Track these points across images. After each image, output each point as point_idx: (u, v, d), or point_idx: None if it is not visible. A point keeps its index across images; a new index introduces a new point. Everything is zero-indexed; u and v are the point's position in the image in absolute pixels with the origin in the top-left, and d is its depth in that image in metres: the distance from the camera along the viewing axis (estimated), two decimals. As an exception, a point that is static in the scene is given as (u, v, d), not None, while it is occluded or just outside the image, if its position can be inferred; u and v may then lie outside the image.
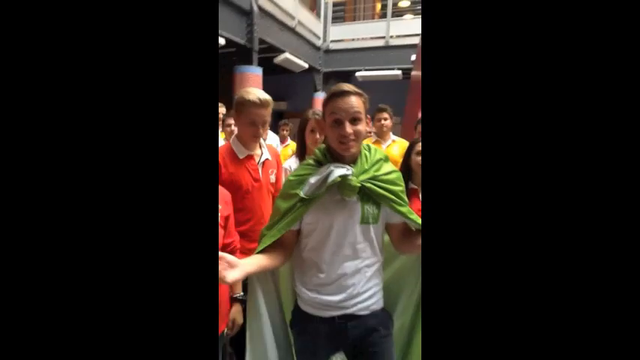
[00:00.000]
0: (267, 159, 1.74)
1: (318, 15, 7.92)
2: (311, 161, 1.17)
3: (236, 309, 1.42)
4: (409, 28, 7.29)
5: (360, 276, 1.15)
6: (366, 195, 1.13)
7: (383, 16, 8.20)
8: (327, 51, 7.92)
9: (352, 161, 1.13)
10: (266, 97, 1.59)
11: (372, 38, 7.77)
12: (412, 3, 10.50)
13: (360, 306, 1.17)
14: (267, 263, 1.11)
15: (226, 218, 1.32)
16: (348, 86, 1.10)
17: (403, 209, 1.15)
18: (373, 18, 9.15)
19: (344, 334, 1.17)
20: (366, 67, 7.44)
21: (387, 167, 1.19)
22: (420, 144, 1.75)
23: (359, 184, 1.09)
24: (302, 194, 1.10)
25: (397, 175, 1.20)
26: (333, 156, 1.14)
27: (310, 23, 7.47)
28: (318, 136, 1.86)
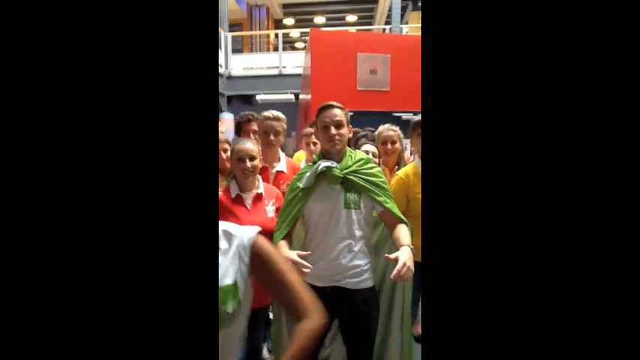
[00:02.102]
0: (281, 171, 1.95)
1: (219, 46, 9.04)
2: (310, 163, 1.51)
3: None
4: (299, 59, 8.75)
5: (345, 253, 1.39)
6: (348, 185, 1.42)
7: (277, 47, 9.62)
8: (230, 77, 9.05)
9: (339, 160, 1.44)
10: (277, 113, 1.93)
11: (268, 67, 9.11)
12: (301, 34, 12.14)
13: (348, 281, 1.40)
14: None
15: (278, 210, 1.62)
16: (332, 102, 1.46)
17: (380, 199, 1.42)
18: (268, 49, 10.56)
19: (333, 305, 1.30)
20: (264, 92, 8.72)
21: (369, 164, 1.48)
22: (363, 139, 2.19)
23: (341, 175, 1.39)
24: (301, 185, 1.43)
25: (377, 170, 1.49)
26: (324, 156, 1.46)
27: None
28: (312, 147, 2.41)
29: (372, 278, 1.46)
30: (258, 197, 1.63)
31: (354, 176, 1.42)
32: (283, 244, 1.38)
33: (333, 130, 1.41)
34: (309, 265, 1.21)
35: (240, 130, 2.20)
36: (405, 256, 1.16)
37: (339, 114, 1.43)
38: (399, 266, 1.12)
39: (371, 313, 1.44)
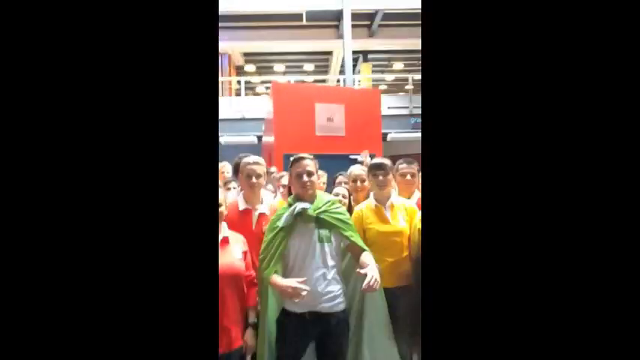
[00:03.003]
0: (263, 213, 2.05)
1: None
2: (285, 205, 1.74)
3: (250, 333, 1.72)
4: (260, 104, 9.29)
5: (321, 281, 1.60)
6: (321, 223, 1.66)
7: (238, 93, 10.14)
8: (194, 120, 9.34)
9: (311, 202, 1.68)
10: (257, 158, 2.08)
11: (230, 111, 9.58)
12: (262, 82, 12.79)
13: (324, 305, 1.60)
14: None
15: (245, 253, 1.76)
16: (303, 154, 1.71)
17: (347, 233, 1.68)
18: (230, 94, 11.09)
19: (311, 328, 1.60)
20: (228, 134, 9.13)
21: (335, 205, 1.75)
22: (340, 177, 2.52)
23: (314, 214, 1.64)
24: (280, 225, 1.65)
25: (343, 209, 1.77)
26: (298, 199, 1.69)
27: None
28: (281, 188, 2.55)
29: (344, 302, 1.68)
30: (225, 240, 1.71)
31: (325, 215, 1.68)
32: (276, 276, 1.62)
33: (305, 178, 1.67)
34: (307, 287, 1.48)
35: (238, 170, 2.28)
36: (372, 271, 1.43)
37: (309, 164, 1.69)
38: (367, 279, 1.37)
39: (343, 333, 1.67)
